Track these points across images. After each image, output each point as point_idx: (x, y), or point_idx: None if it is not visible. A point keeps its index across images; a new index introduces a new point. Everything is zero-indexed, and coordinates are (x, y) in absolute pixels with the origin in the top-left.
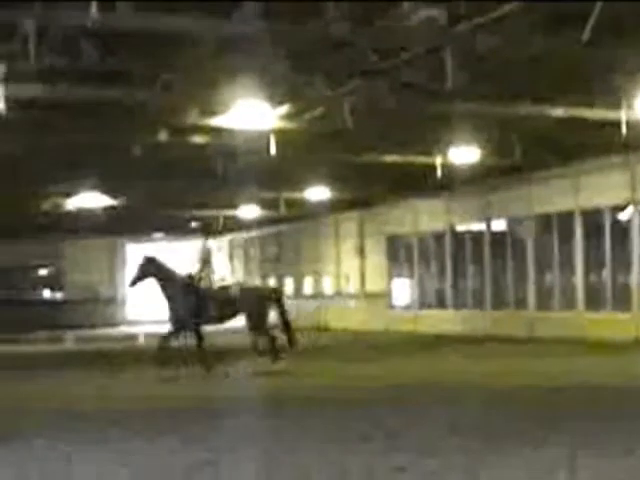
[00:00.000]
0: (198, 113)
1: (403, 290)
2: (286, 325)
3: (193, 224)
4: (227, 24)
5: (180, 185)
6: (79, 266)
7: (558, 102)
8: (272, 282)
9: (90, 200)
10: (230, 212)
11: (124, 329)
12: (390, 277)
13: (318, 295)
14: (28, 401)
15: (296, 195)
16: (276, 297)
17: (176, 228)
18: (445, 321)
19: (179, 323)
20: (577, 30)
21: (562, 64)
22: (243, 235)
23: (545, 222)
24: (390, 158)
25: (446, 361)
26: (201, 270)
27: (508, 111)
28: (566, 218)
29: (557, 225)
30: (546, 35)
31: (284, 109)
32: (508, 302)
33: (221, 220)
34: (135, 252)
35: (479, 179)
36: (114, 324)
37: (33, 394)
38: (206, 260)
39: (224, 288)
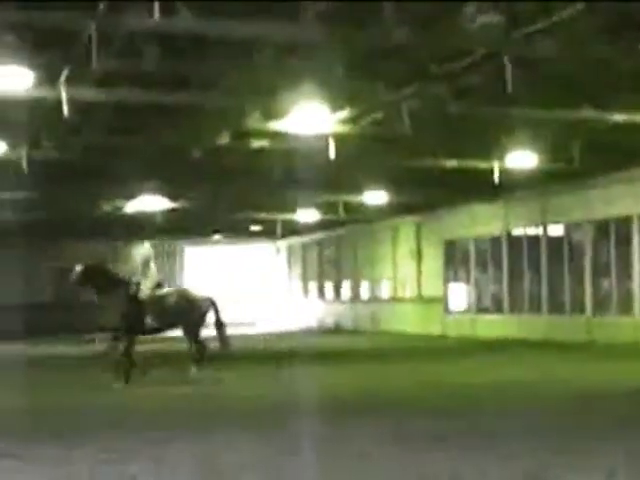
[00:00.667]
0: (259, 117)
1: (459, 294)
2: (220, 328)
3: (252, 227)
4: (288, 28)
5: (240, 189)
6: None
7: (618, 106)
8: (330, 286)
9: (150, 203)
10: (289, 216)
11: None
12: (446, 281)
13: (375, 299)
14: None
15: (354, 199)
16: (213, 306)
17: (235, 231)
18: (501, 325)
19: (116, 332)
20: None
21: (623, 68)
22: (301, 239)
23: (603, 227)
24: (448, 163)
25: (522, 364)
26: (141, 276)
27: (567, 116)
28: (624, 223)
29: (615, 230)
30: (607, 39)
31: (343, 113)
32: (565, 306)
33: (280, 224)
34: (194, 255)
35: (537, 184)
36: None
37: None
38: (146, 265)
39: (162, 297)
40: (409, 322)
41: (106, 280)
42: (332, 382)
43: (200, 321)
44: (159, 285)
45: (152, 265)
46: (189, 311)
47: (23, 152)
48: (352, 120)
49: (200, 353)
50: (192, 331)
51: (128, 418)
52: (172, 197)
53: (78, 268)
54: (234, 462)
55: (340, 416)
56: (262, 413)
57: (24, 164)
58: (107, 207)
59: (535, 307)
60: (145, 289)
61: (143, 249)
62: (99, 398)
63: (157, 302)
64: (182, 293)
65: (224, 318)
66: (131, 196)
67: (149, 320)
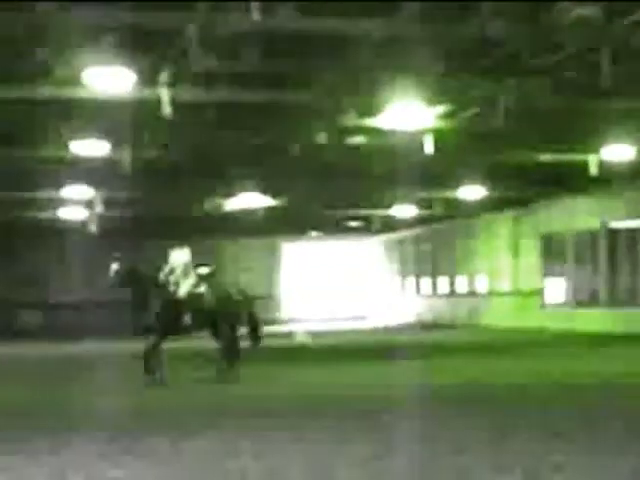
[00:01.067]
0: (357, 114)
1: (556, 288)
2: (254, 326)
3: (350, 223)
4: (386, 25)
5: (338, 185)
6: (238, 265)
7: None
8: (427, 281)
9: (250, 200)
10: (386, 212)
11: (281, 327)
12: (543, 275)
13: (472, 293)
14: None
15: (450, 194)
16: (249, 303)
17: (333, 227)
18: (599, 319)
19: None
20: None
21: None
22: (398, 235)
23: None
24: (544, 157)
25: (625, 358)
26: (181, 277)
27: None
28: None
29: None
30: None
31: (440, 109)
32: None
33: (377, 220)
34: (292, 251)
35: (634, 176)
36: (273, 322)
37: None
38: (186, 269)
39: (199, 295)
40: (506, 316)
41: (140, 281)
42: (441, 376)
43: (234, 319)
44: (199, 284)
45: (191, 269)
46: (224, 309)
47: (126, 152)
48: (449, 115)
49: (232, 351)
50: (225, 329)
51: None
52: (271, 194)
53: (114, 268)
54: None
55: (455, 408)
56: (381, 407)
57: (127, 164)
58: (208, 205)
59: (633, 301)
60: (184, 289)
61: (182, 254)
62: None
63: (194, 301)
64: (219, 291)
65: (259, 315)
66: (231, 194)
67: (186, 319)
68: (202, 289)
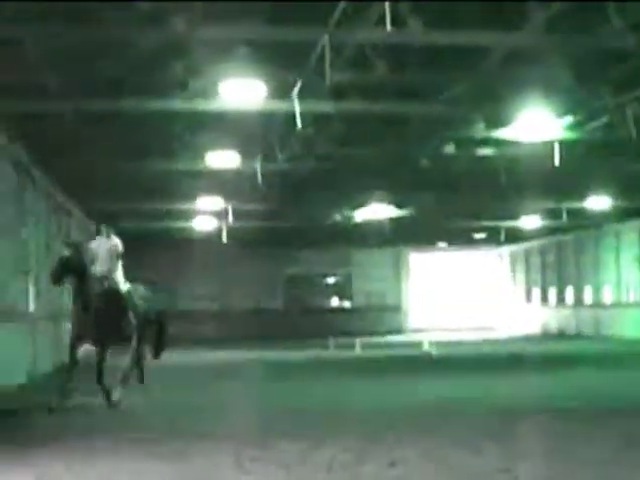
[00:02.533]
0: (485, 125)
1: None
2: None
3: (476, 235)
4: (514, 36)
5: (465, 196)
6: (365, 275)
7: None
8: (553, 291)
9: (377, 211)
10: (512, 223)
11: (408, 336)
12: None
13: (598, 304)
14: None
15: (577, 205)
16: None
17: (459, 238)
18: None
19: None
20: None
21: None
22: (524, 245)
23: None
24: None
25: None
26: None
27: None
28: None
29: None
30: None
31: (568, 119)
32: None
33: (503, 230)
34: (419, 262)
35: None
36: (399, 331)
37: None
38: (114, 259)
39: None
40: (633, 327)
41: (78, 273)
42: (566, 388)
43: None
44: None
45: (120, 260)
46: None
47: (257, 164)
48: (577, 126)
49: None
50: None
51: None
52: (399, 205)
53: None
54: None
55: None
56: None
57: (258, 176)
58: (338, 216)
59: None
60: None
61: (112, 241)
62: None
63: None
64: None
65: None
66: (360, 205)
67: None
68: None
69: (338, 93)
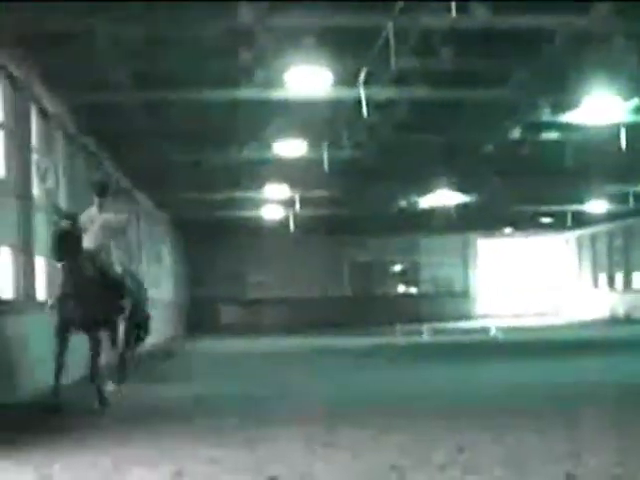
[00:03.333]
0: (550, 109)
1: None
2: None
3: (542, 219)
4: (579, 21)
5: (531, 181)
6: (433, 261)
7: None
8: (620, 276)
9: (444, 197)
10: (578, 207)
11: (475, 322)
12: None
13: None
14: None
15: None
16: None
17: (526, 224)
18: None
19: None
20: None
21: None
22: (591, 230)
23: None
24: None
25: None
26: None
27: None
28: None
29: None
30: None
31: (634, 102)
32: None
33: (570, 215)
34: (486, 248)
35: None
36: (466, 317)
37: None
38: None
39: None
40: None
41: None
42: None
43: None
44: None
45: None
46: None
47: (324, 151)
48: None
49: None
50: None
51: None
52: (465, 191)
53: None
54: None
55: None
56: None
57: (325, 163)
58: (404, 202)
59: None
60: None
61: (109, 214)
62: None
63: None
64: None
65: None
66: (426, 191)
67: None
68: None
69: (403, 80)
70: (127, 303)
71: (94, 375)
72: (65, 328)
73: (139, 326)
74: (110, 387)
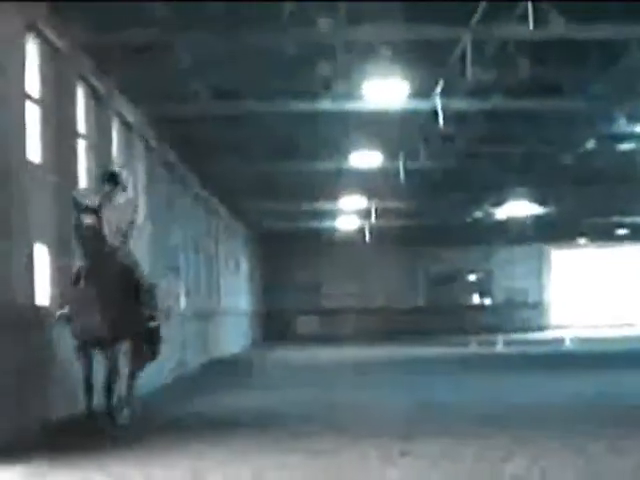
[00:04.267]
0: (626, 120)
1: None
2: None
3: (618, 231)
4: None
5: (607, 192)
6: (507, 272)
7: None
8: None
9: (518, 208)
10: None
11: (549, 333)
12: None
13: None
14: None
15: None
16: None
17: (601, 234)
18: None
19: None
20: None
21: None
22: None
23: None
24: None
25: None
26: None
27: None
28: None
29: None
30: None
31: None
32: None
33: None
34: (561, 258)
35: None
36: (541, 328)
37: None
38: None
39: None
40: None
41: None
42: None
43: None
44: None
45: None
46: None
47: (399, 162)
48: None
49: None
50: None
51: None
52: (540, 202)
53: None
54: None
55: None
56: None
57: (401, 174)
58: (478, 213)
59: None
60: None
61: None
62: None
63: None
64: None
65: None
66: (501, 202)
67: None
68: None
69: (480, 91)
70: (158, 312)
71: (108, 394)
72: (87, 342)
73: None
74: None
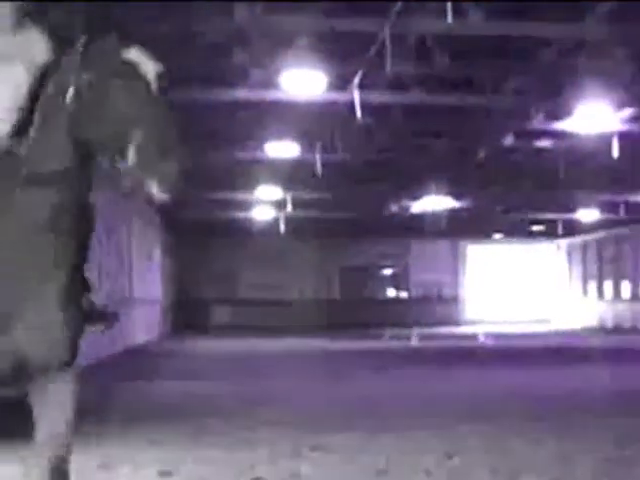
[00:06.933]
0: (543, 117)
1: None
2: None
3: (533, 227)
4: (576, 28)
5: (522, 188)
6: (423, 266)
7: None
8: (610, 285)
9: (435, 203)
10: (569, 215)
11: (464, 328)
12: None
13: None
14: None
15: (635, 198)
16: None
17: (516, 231)
18: None
19: None
20: None
21: None
22: (581, 238)
23: None
24: None
25: None
26: None
27: None
28: None
29: None
30: None
31: (628, 111)
32: None
33: (560, 223)
34: (476, 254)
35: None
36: (455, 323)
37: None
38: None
39: None
40: None
41: None
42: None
43: None
44: None
45: None
46: None
47: (316, 154)
48: (636, 118)
49: None
50: None
51: None
52: (456, 197)
53: None
54: None
55: None
56: None
57: (318, 165)
58: (395, 207)
59: None
60: None
61: None
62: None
63: None
64: None
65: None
66: (418, 196)
67: None
68: None
69: (398, 84)
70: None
71: None
72: None
73: None
74: None
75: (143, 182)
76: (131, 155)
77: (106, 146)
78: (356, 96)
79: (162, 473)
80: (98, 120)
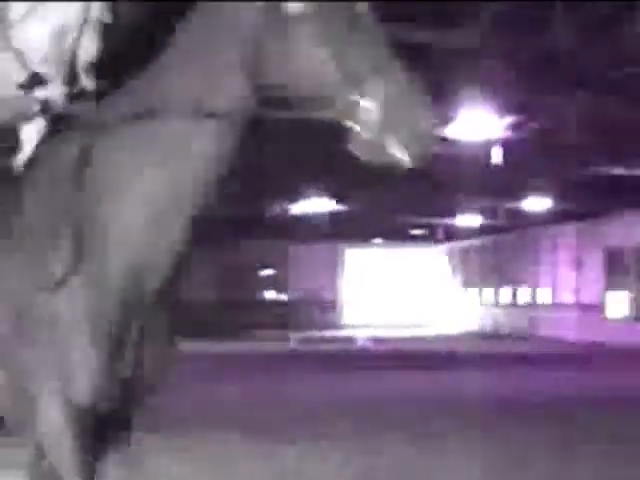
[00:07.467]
0: None
1: (618, 303)
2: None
3: (413, 231)
4: (456, 35)
5: (402, 192)
6: (302, 269)
7: None
8: (489, 291)
9: (315, 205)
10: (450, 220)
11: (343, 332)
12: (605, 289)
13: (533, 305)
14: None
15: (515, 205)
16: None
17: (396, 235)
18: None
19: None
20: None
21: None
22: (461, 243)
23: None
24: (615, 170)
25: None
26: None
27: None
28: None
29: None
30: None
31: (509, 119)
32: None
33: (441, 228)
34: (355, 257)
35: None
36: (334, 326)
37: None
38: None
39: None
40: (567, 328)
41: None
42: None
43: None
44: None
45: None
46: None
47: None
48: (518, 126)
49: None
50: None
51: None
52: (337, 199)
53: None
54: None
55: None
56: None
57: None
58: (276, 208)
59: None
60: None
61: None
62: None
63: None
64: None
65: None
66: (299, 198)
67: None
68: None
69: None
70: None
71: None
72: None
73: None
74: None
75: (383, 147)
76: (366, 112)
77: (308, 98)
78: None
79: None
80: (308, 61)
